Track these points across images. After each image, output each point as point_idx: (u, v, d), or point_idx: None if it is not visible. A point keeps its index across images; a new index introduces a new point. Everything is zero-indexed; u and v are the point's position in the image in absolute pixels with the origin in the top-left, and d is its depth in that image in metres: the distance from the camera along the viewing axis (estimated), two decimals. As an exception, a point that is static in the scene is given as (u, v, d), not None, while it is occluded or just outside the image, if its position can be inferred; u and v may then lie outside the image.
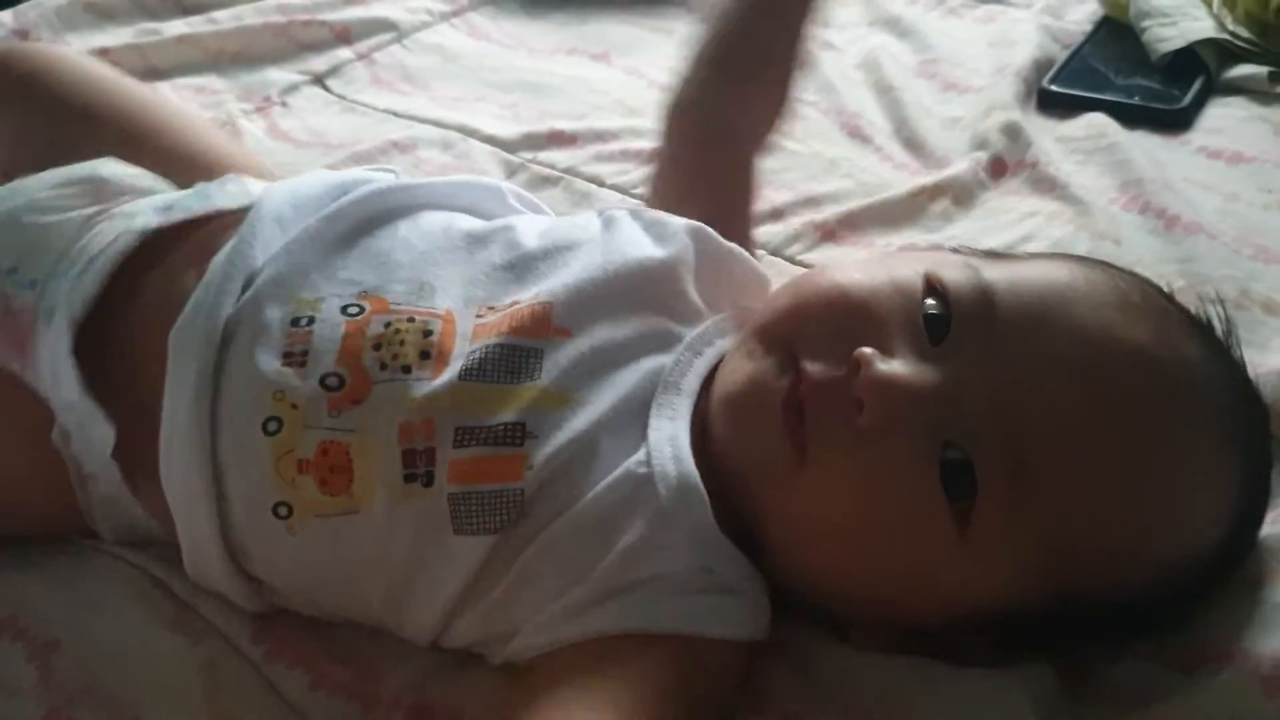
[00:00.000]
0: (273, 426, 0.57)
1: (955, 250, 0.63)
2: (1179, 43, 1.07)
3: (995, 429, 0.52)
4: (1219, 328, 0.60)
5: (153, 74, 1.08)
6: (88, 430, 0.61)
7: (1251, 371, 0.60)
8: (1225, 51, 1.09)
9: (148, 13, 1.16)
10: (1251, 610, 0.56)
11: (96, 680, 0.58)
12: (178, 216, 0.65)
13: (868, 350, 0.54)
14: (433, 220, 0.66)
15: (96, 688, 0.58)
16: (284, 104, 1.07)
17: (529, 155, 1.00)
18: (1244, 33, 1.10)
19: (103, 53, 1.08)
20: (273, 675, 0.59)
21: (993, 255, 0.62)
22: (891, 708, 0.54)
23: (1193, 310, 0.60)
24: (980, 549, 0.53)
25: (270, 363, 0.58)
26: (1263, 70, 1.06)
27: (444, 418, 0.56)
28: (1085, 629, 0.56)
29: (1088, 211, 0.89)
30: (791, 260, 0.86)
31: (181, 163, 0.74)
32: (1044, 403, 0.53)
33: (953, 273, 0.57)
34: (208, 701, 0.57)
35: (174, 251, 0.64)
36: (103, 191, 0.68)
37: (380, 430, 0.56)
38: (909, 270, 0.58)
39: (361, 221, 0.65)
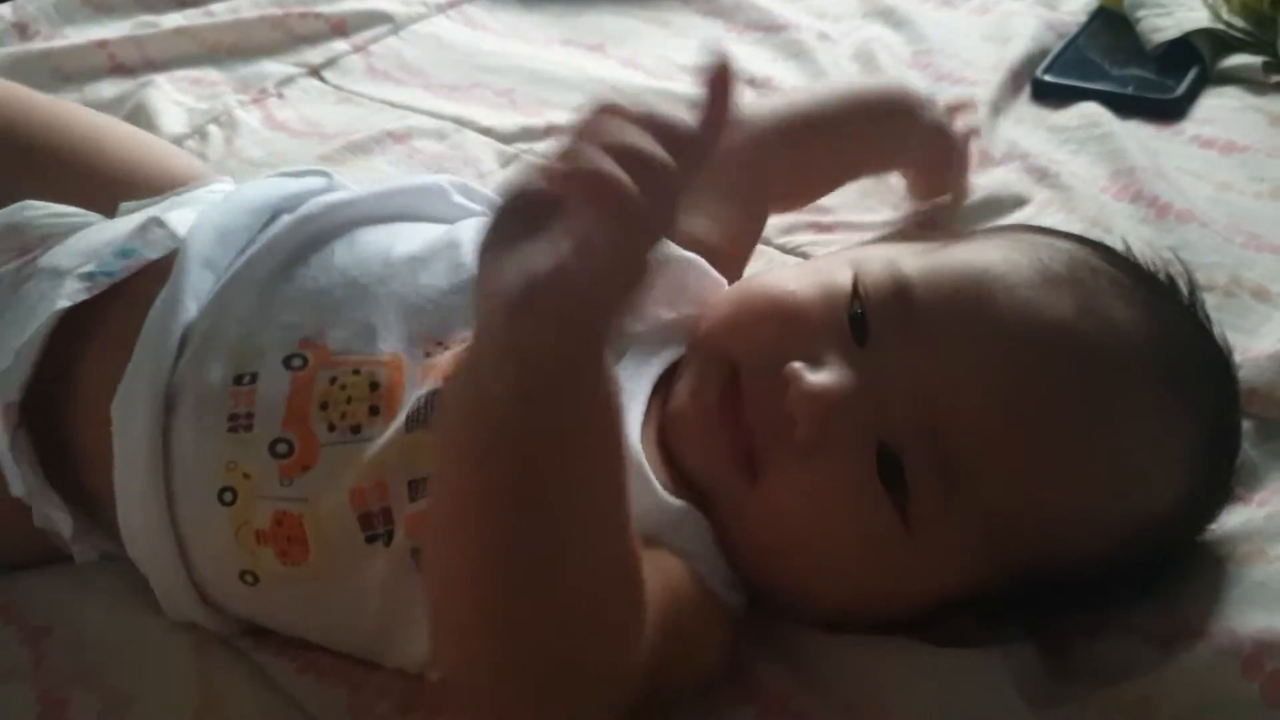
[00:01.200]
0: (228, 497, 0.56)
1: (895, 235, 0.63)
2: (1174, 33, 1.07)
3: (921, 425, 0.53)
4: (1182, 288, 0.59)
5: (150, 66, 1.08)
6: (48, 513, 0.61)
7: (1240, 355, 0.61)
8: (1220, 42, 1.09)
9: (145, 6, 1.16)
10: (1233, 588, 0.56)
11: (89, 664, 0.59)
12: (102, 284, 0.62)
13: (796, 365, 0.54)
14: (370, 242, 0.63)
15: (89, 671, 0.58)
16: (280, 95, 1.07)
17: (524, 146, 1.00)
18: (1239, 23, 1.10)
19: (100, 45, 1.08)
20: (261, 661, 0.59)
21: (933, 238, 0.62)
22: (876, 689, 0.54)
23: (1148, 267, 0.60)
24: (927, 543, 0.53)
25: (217, 427, 0.57)
26: (1257, 60, 1.06)
27: (395, 475, 0.55)
28: (1062, 599, 0.56)
29: (1079, 200, 0.89)
30: (783, 250, 0.86)
31: (118, 186, 0.72)
32: (964, 394, 0.53)
33: (873, 270, 0.57)
34: (199, 683, 0.58)
35: (110, 311, 0.62)
36: (26, 240, 0.66)
37: (332, 498, 0.55)
38: (840, 273, 0.58)
39: (293, 251, 0.62)
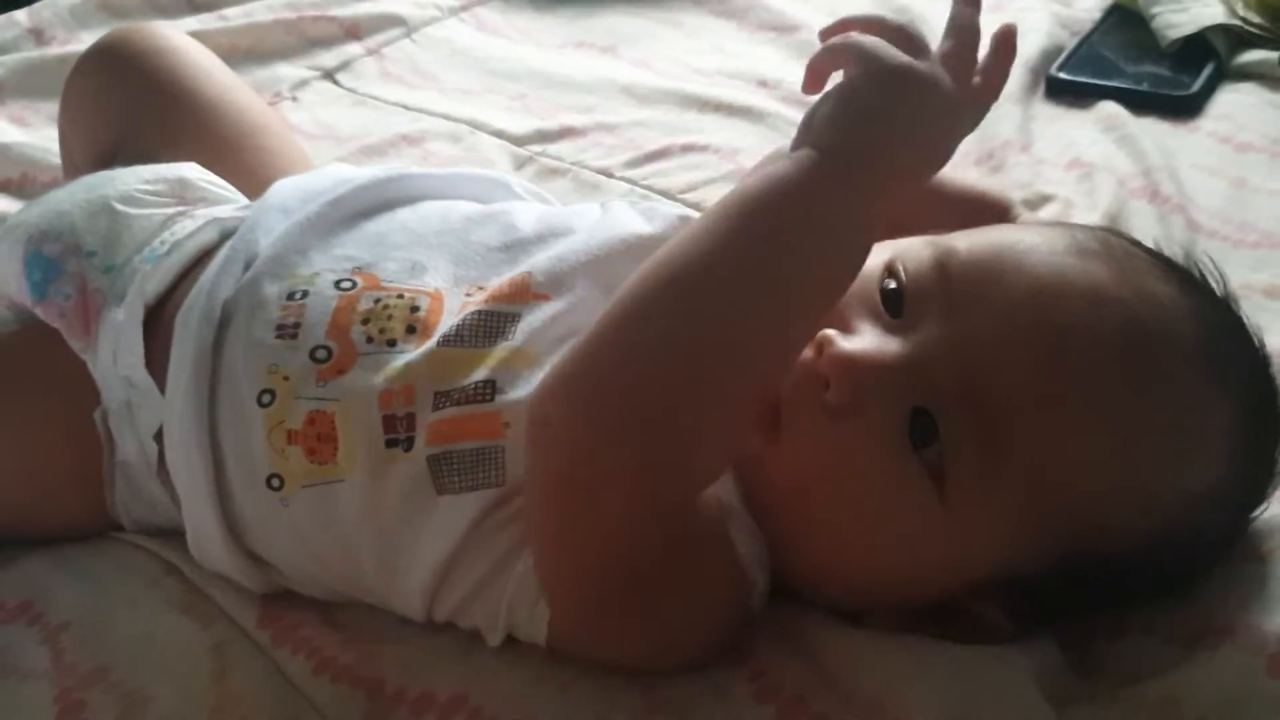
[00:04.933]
0: (266, 399, 0.59)
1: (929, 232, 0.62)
2: (1189, 29, 1.07)
3: (959, 389, 0.53)
4: (1214, 280, 0.59)
5: (164, 70, 1.09)
6: (137, 410, 0.63)
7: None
8: (1236, 37, 1.08)
9: (160, 10, 1.17)
10: (1258, 586, 0.56)
11: (108, 662, 0.59)
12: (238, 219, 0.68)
13: (829, 331, 0.55)
14: (433, 206, 0.68)
15: (108, 670, 0.59)
16: (294, 99, 1.08)
17: (537, 148, 1.01)
18: (1255, 18, 1.10)
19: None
20: (279, 660, 0.59)
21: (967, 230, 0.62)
22: (898, 687, 0.53)
23: (1180, 263, 0.59)
24: (963, 510, 0.53)
25: (265, 335, 0.60)
26: (1273, 56, 1.06)
27: (423, 384, 0.58)
28: (1103, 588, 0.55)
29: (1095, 198, 0.88)
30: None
31: (263, 182, 0.76)
32: (1002, 357, 0.53)
33: (910, 251, 0.58)
34: (216, 683, 0.58)
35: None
36: (186, 194, 0.71)
37: (362, 397, 0.58)
38: (875, 255, 0.58)
39: (363, 208, 0.67)
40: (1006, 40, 0.59)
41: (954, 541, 0.54)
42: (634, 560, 0.51)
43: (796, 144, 0.54)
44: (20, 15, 1.15)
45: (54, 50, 1.10)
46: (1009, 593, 0.55)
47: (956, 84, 0.56)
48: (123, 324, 0.64)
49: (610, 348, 0.51)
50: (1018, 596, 0.55)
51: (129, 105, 0.82)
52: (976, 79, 0.58)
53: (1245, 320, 0.59)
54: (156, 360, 0.63)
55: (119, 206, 0.69)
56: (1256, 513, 0.58)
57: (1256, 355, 0.58)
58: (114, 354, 0.64)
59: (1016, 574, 0.54)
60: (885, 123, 0.54)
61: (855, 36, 0.56)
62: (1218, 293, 0.59)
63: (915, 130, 0.54)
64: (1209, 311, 0.57)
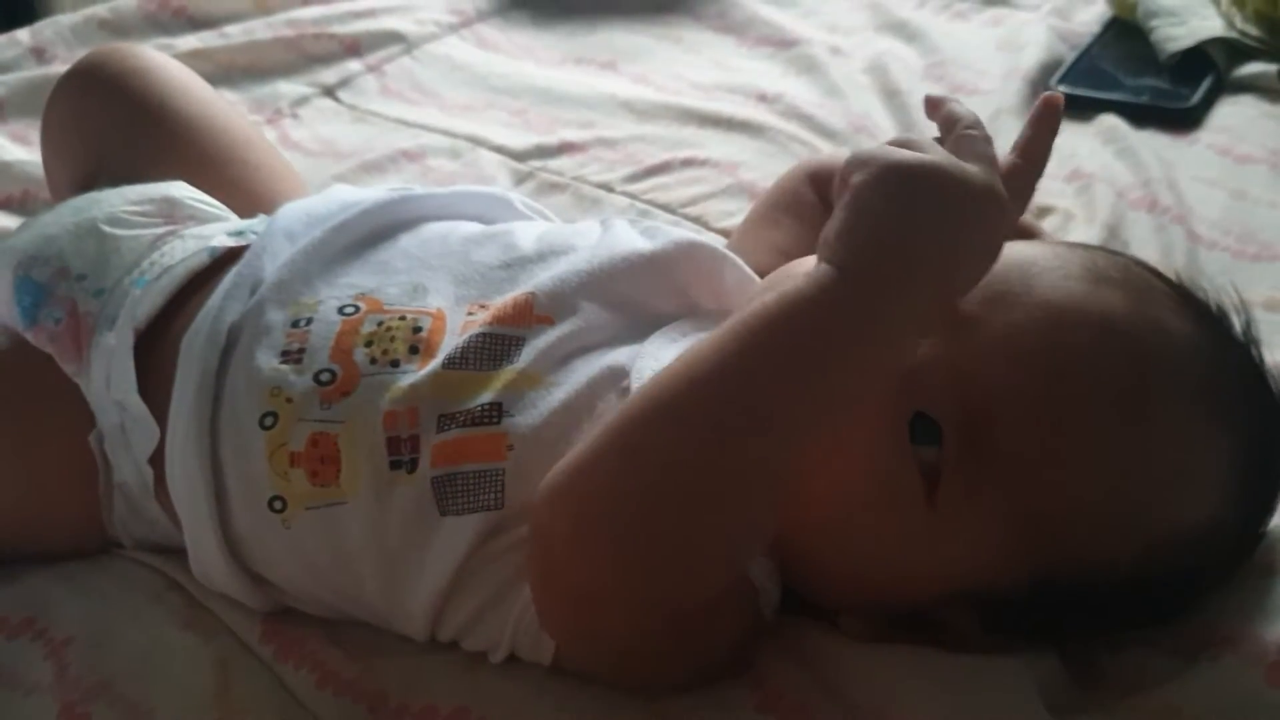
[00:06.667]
0: (268, 421, 0.59)
1: None
2: (1188, 42, 1.08)
3: (958, 399, 0.53)
4: (1236, 319, 0.58)
5: (166, 88, 1.09)
6: (131, 433, 0.63)
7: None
8: (1234, 50, 1.09)
9: (160, 28, 1.17)
10: (1260, 596, 0.55)
11: (111, 678, 0.59)
12: (248, 240, 0.68)
13: None
14: (434, 229, 0.68)
15: (111, 685, 0.59)
16: (295, 115, 1.08)
17: (538, 164, 1.01)
18: (1253, 31, 1.10)
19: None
20: (282, 674, 0.59)
21: None
22: (900, 699, 0.53)
23: (1201, 297, 0.58)
24: (948, 520, 0.53)
25: (269, 361, 0.61)
26: (1272, 68, 1.07)
27: (427, 406, 0.58)
28: (1076, 614, 0.55)
29: (1094, 209, 0.89)
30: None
31: (249, 196, 0.77)
32: (1001, 373, 0.53)
33: None
34: (219, 698, 0.58)
35: (221, 274, 0.66)
36: (174, 213, 0.71)
37: (366, 419, 0.58)
38: None
39: (367, 234, 0.67)
40: (1049, 111, 0.59)
41: (935, 547, 0.54)
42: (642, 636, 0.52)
43: (818, 258, 0.51)
44: (22, 34, 1.15)
45: (56, 69, 1.10)
46: (984, 605, 0.55)
47: (979, 165, 0.52)
48: (114, 350, 0.64)
49: (613, 468, 0.50)
50: (992, 610, 0.55)
51: (108, 127, 0.81)
52: (1013, 156, 0.58)
53: (1263, 366, 0.58)
54: (148, 384, 0.63)
55: (106, 228, 0.69)
56: (1243, 556, 0.57)
57: (1267, 397, 0.57)
58: (107, 378, 0.64)
59: (991, 589, 0.54)
60: (901, 228, 0.50)
61: (861, 148, 0.53)
62: (1237, 328, 0.58)
63: (941, 229, 0.51)
64: (1222, 350, 0.56)
